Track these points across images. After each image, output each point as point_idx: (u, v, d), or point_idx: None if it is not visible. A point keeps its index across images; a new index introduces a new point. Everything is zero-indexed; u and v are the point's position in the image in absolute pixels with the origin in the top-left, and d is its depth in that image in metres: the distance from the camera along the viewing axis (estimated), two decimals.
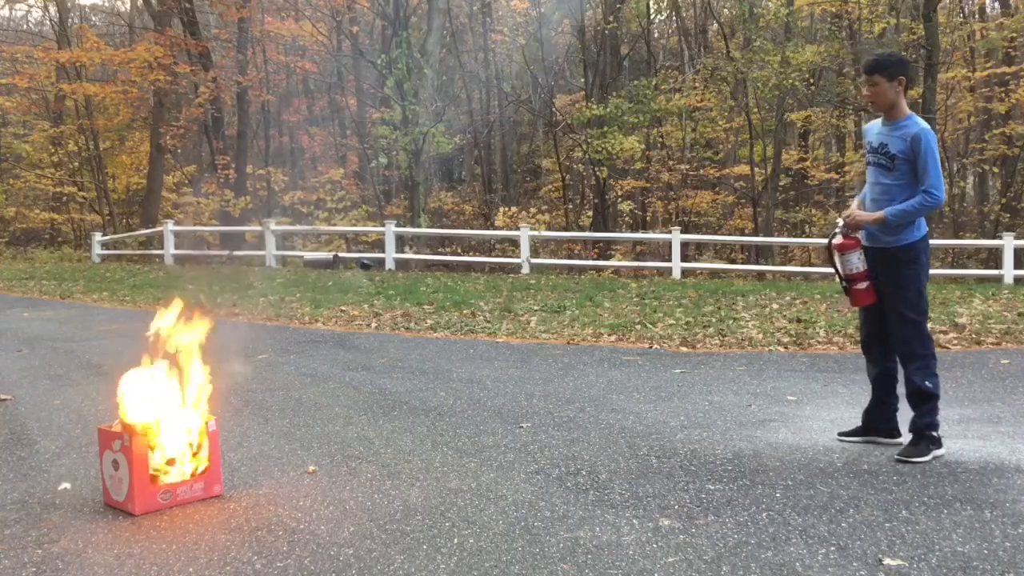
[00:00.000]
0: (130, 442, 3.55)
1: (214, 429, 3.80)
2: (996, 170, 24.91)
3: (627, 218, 27.75)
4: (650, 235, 22.86)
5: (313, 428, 4.97)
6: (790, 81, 19.99)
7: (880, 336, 4.30)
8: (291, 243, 23.39)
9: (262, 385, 6.19)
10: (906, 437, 4.24)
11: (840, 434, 4.52)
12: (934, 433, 4.15)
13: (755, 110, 21.43)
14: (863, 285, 4.21)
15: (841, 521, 3.34)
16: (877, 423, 4.42)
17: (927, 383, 4.12)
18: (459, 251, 23.99)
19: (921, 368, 4.14)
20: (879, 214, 4.12)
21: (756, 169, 22.10)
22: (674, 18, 28.02)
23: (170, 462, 3.67)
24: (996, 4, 26.16)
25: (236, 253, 19.48)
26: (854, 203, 4.39)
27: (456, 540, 3.21)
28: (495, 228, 23.74)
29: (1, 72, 29.03)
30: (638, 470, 4.06)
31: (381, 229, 17.76)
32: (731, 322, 8.84)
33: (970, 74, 23.55)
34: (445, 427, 4.95)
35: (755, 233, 22.26)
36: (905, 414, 4.28)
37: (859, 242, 4.20)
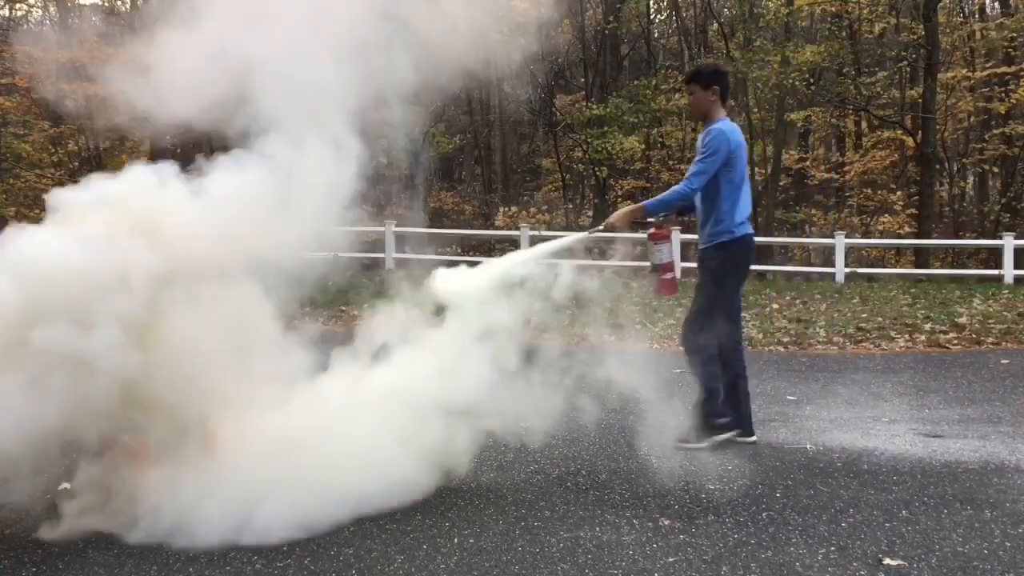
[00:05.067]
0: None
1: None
2: (996, 170, 24.87)
3: None
4: None
5: None
6: (790, 81, 19.98)
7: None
8: None
9: None
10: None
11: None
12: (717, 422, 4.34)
13: (755, 110, 21.41)
14: (667, 276, 4.45)
15: (841, 521, 3.34)
16: (739, 418, 4.45)
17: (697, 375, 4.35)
18: (459, 251, 23.95)
19: (698, 362, 4.38)
20: (639, 204, 4.37)
21: (756, 169, 22.09)
22: (674, 18, 28.01)
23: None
24: (996, 4, 26.15)
25: None
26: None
27: (456, 540, 3.21)
28: (495, 228, 23.73)
29: (1, 72, 29.00)
30: (638, 470, 4.06)
31: (381, 229, 17.75)
32: None
33: (970, 74, 23.49)
34: None
35: (755, 233, 22.19)
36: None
37: (669, 235, 4.44)
